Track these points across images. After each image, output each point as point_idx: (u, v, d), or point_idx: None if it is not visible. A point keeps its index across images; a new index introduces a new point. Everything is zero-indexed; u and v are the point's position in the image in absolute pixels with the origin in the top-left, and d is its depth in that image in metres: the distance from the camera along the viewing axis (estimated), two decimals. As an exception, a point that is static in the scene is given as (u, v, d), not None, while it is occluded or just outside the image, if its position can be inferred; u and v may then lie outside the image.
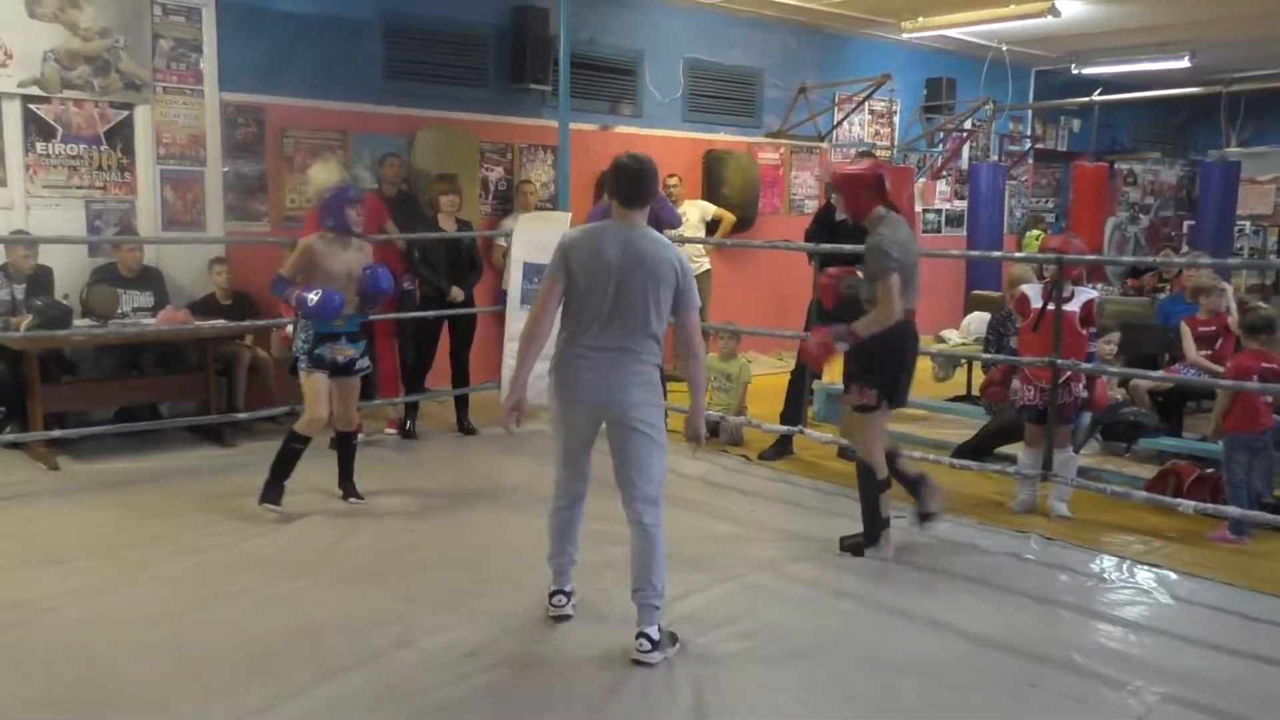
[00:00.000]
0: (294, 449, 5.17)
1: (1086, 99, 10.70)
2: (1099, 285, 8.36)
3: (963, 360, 7.94)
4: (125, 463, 6.15)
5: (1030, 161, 13.27)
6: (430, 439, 6.98)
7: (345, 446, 5.49)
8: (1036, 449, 5.49)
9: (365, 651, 3.66)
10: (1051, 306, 5.33)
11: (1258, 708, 3.48)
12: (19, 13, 6.44)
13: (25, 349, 5.97)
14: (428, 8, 8.05)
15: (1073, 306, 5.36)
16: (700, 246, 8.69)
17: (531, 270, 7.00)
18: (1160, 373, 6.46)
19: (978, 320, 8.06)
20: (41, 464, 6.02)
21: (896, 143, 11.27)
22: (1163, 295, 8.51)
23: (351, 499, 5.42)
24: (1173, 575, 4.64)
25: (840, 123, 10.80)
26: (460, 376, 7.27)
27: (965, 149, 12.20)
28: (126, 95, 6.87)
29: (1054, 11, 8.91)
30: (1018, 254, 9.09)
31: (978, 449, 6.24)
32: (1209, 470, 5.57)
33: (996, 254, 9.82)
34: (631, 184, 3.71)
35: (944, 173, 11.93)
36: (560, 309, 3.72)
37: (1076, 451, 5.67)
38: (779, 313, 8.78)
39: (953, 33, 10.24)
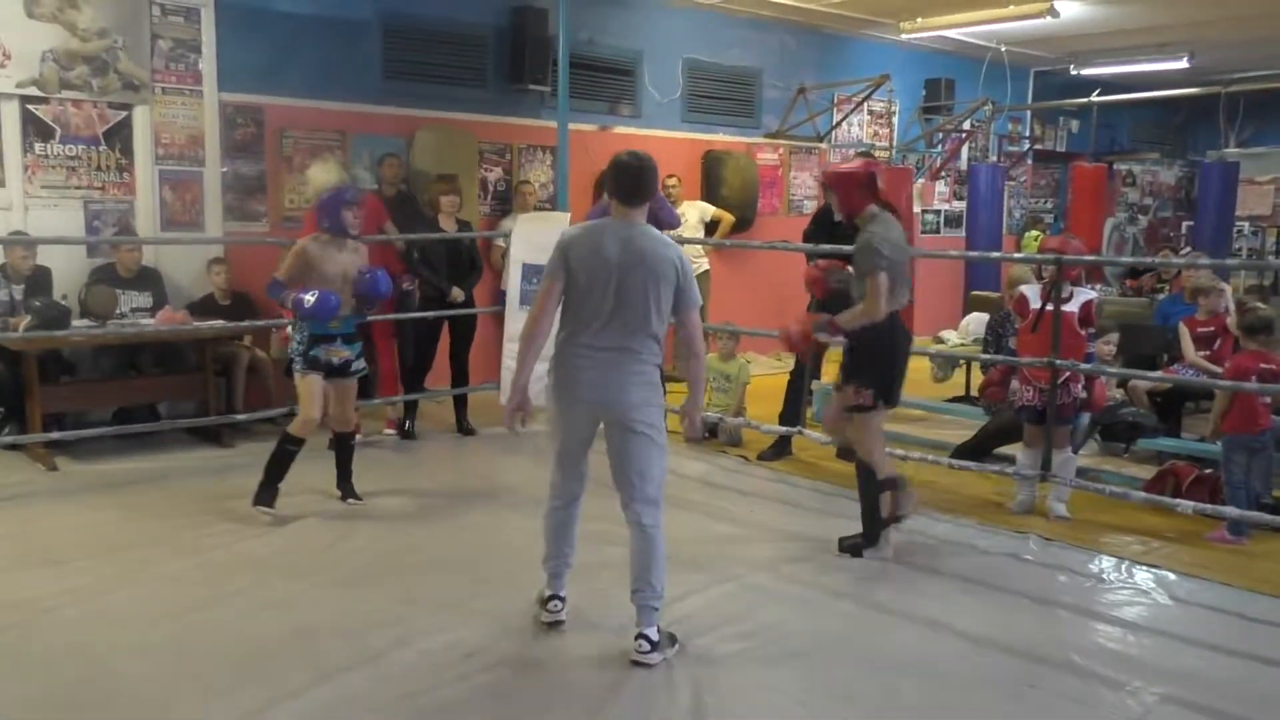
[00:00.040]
0: (288, 451, 5.15)
1: (1085, 100, 10.70)
2: (1098, 286, 8.37)
3: (961, 361, 7.94)
4: (124, 463, 6.15)
5: (1029, 162, 13.28)
6: (429, 439, 6.98)
7: (343, 448, 5.48)
8: (1035, 449, 5.49)
9: (364, 652, 3.66)
10: (1050, 307, 5.34)
11: (1256, 708, 3.48)
12: (17, 13, 6.44)
13: (24, 349, 5.97)
14: (426, 8, 8.05)
15: (1071, 307, 5.36)
16: (699, 247, 8.69)
17: (530, 271, 7.00)
18: (1159, 373, 6.47)
19: (976, 321, 8.06)
20: (40, 464, 6.02)
21: (895, 143, 11.28)
22: (1161, 296, 8.52)
23: (350, 500, 5.42)
24: (1171, 576, 4.65)
25: (839, 123, 10.81)
26: (460, 377, 7.27)
27: (964, 150, 12.21)
28: (125, 96, 6.86)
29: (1053, 12, 8.92)
30: (1016, 254, 9.09)
31: (976, 449, 6.24)
32: (1208, 471, 5.57)
33: (995, 255, 9.82)
34: (631, 181, 3.69)
35: (943, 173, 11.94)
36: (560, 308, 3.70)
37: (1075, 452, 5.67)
38: (778, 313, 8.67)
39: (951, 33, 10.25)
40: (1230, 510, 4.99)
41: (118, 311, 6.47)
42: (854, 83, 10.34)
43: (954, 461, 5.95)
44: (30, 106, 6.56)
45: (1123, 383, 6.59)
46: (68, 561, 4.49)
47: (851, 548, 4.80)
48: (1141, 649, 3.91)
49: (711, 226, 9.21)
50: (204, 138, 7.18)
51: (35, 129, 6.59)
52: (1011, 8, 9.05)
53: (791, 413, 6.54)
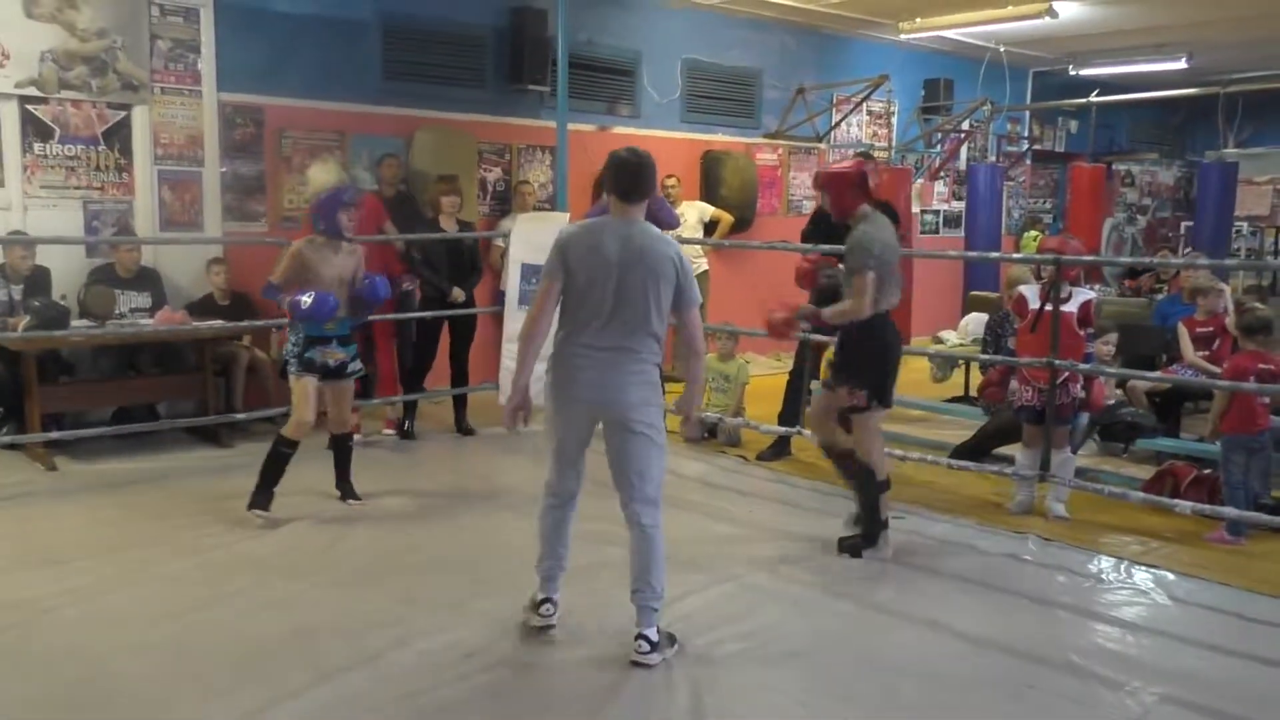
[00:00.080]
0: (282, 453, 5.12)
1: (1084, 100, 10.71)
2: (1096, 286, 8.38)
3: (960, 361, 7.94)
4: (123, 463, 6.15)
5: (1028, 162, 13.28)
6: (428, 439, 6.98)
7: (341, 449, 5.47)
8: (1034, 450, 5.49)
9: (364, 652, 3.66)
10: (1049, 307, 5.34)
11: (1255, 708, 3.49)
12: (16, 13, 6.44)
13: (23, 349, 5.97)
14: (426, 8, 8.05)
15: (1070, 307, 5.37)
16: (698, 247, 8.69)
17: (529, 271, 7.00)
18: (1158, 373, 6.48)
19: (975, 321, 8.06)
20: (39, 465, 6.02)
21: (894, 143, 11.28)
22: (1160, 296, 8.52)
23: (349, 500, 5.42)
24: (1170, 576, 4.65)
25: (838, 123, 10.81)
26: (459, 377, 7.27)
27: (963, 150, 12.21)
28: (124, 96, 6.86)
29: (1051, 13, 8.91)
30: (1015, 255, 9.08)
31: (976, 450, 6.25)
32: (1206, 471, 5.58)
33: (994, 255, 9.81)
34: (630, 178, 3.67)
35: (942, 173, 11.94)
36: (558, 307, 3.69)
37: (1074, 452, 5.67)
38: (777, 313, 8.76)
39: (950, 34, 10.25)
40: (1229, 510, 4.99)
41: (117, 311, 6.47)
42: (853, 83, 10.34)
43: (953, 462, 5.95)
44: (29, 106, 6.56)
45: (1122, 383, 6.59)
46: (67, 561, 4.49)
47: (851, 548, 4.80)
48: (1140, 649, 3.91)
49: (710, 227, 9.21)
50: (203, 138, 7.18)
51: (34, 129, 6.59)
52: (1010, 8, 9.05)
53: (790, 413, 6.54)
